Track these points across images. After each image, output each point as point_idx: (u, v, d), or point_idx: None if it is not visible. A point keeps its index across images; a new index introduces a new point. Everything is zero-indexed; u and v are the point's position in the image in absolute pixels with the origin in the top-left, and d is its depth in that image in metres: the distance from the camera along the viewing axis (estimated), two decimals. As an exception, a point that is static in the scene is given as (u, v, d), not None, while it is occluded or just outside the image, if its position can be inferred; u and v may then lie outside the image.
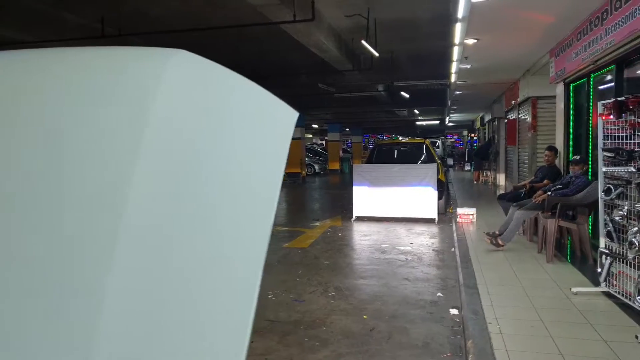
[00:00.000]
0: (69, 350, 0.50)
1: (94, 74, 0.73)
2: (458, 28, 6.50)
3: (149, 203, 0.59)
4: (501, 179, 14.13)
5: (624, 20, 4.49)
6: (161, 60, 0.73)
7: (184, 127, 0.67)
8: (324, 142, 37.47)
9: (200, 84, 0.74)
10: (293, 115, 0.84)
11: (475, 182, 17.30)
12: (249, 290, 0.60)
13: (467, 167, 23.67)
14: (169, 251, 0.58)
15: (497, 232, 6.51)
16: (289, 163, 21.11)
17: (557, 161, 7.02)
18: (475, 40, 7.03)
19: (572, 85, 6.97)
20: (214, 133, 0.71)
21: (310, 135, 41.25)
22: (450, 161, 25.32)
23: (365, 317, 4.24)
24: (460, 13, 5.75)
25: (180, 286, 0.58)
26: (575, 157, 6.10)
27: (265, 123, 0.81)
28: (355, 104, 19.73)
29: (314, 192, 17.38)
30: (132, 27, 8.38)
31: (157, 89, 0.67)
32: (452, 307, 4.41)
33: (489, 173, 16.95)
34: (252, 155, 0.74)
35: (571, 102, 7.06)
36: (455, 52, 7.98)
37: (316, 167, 25.09)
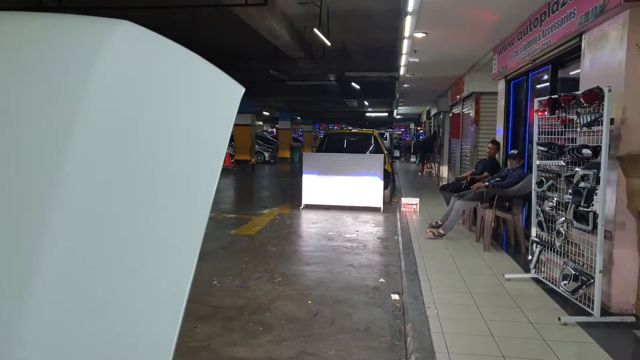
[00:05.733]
0: None
1: (31, 42, 0.69)
2: (408, 21, 6.62)
3: (83, 181, 0.56)
4: (444, 170, 14.62)
5: (559, 23, 4.75)
6: (104, 30, 0.70)
7: (123, 99, 0.65)
8: (274, 130, 37.23)
9: (143, 56, 0.72)
10: (239, 90, 0.82)
11: (420, 173, 17.81)
12: (184, 270, 0.59)
13: (413, 159, 24.29)
14: (103, 231, 0.57)
15: (439, 222, 6.77)
16: (239, 150, 20.90)
17: (497, 155, 7.36)
18: (424, 34, 7.21)
19: (512, 82, 7.31)
20: (155, 106, 0.69)
21: (261, 123, 40.84)
22: (397, 153, 25.86)
23: (309, 302, 4.30)
24: (410, 6, 5.86)
25: (112, 269, 0.56)
26: (513, 151, 6.42)
27: (210, 96, 0.79)
28: (307, 93, 19.73)
29: (263, 180, 17.29)
30: (74, 0, 7.94)
31: (97, 59, 0.64)
32: (394, 293, 4.56)
33: (433, 165, 17.48)
34: (195, 128, 0.73)
35: (511, 98, 7.40)
36: (405, 45, 8.14)
37: (266, 154, 24.95)
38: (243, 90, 0.83)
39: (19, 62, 0.65)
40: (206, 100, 0.78)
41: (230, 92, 0.81)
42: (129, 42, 0.70)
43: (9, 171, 0.56)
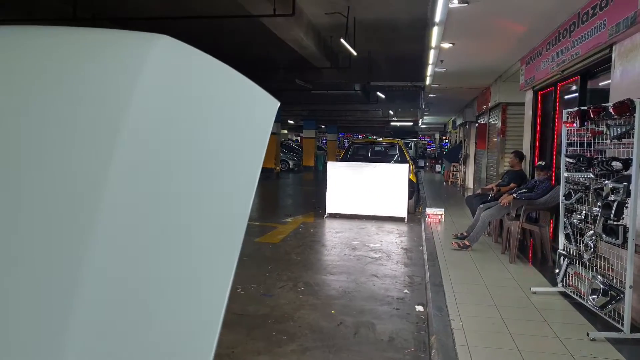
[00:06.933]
0: (41, 347, 0.48)
1: (72, 57, 0.71)
2: (435, 32, 6.62)
3: (126, 194, 0.57)
4: (470, 181, 14.45)
5: (589, 34, 4.69)
6: (145, 45, 0.72)
7: (165, 114, 0.66)
8: (299, 138, 37.47)
9: (183, 71, 0.73)
10: (274, 104, 0.83)
11: (445, 183, 17.65)
12: (222, 281, 0.61)
13: (438, 169, 24.09)
14: (144, 240, 0.58)
15: (464, 233, 6.70)
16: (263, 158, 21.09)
17: (523, 165, 7.26)
18: (451, 45, 7.19)
19: (540, 93, 7.22)
20: (195, 121, 0.71)
21: (286, 131, 41.15)
22: (421, 162, 25.71)
23: (333, 312, 4.31)
24: (437, 17, 5.87)
25: (155, 277, 0.57)
26: (540, 162, 6.32)
27: (246, 111, 0.80)
28: (332, 102, 19.83)
29: (287, 188, 17.41)
30: (106, 11, 8.20)
31: (140, 74, 0.66)
32: (418, 304, 4.54)
33: (458, 175, 17.31)
34: (232, 143, 0.74)
35: (539, 109, 7.30)
36: (431, 55, 8.13)
37: (290, 163, 25.11)
38: (278, 104, 0.84)
39: (60, 75, 0.67)
40: (243, 114, 0.80)
41: (266, 106, 0.82)
42: (169, 56, 0.72)
43: (60, 176, 0.57)
